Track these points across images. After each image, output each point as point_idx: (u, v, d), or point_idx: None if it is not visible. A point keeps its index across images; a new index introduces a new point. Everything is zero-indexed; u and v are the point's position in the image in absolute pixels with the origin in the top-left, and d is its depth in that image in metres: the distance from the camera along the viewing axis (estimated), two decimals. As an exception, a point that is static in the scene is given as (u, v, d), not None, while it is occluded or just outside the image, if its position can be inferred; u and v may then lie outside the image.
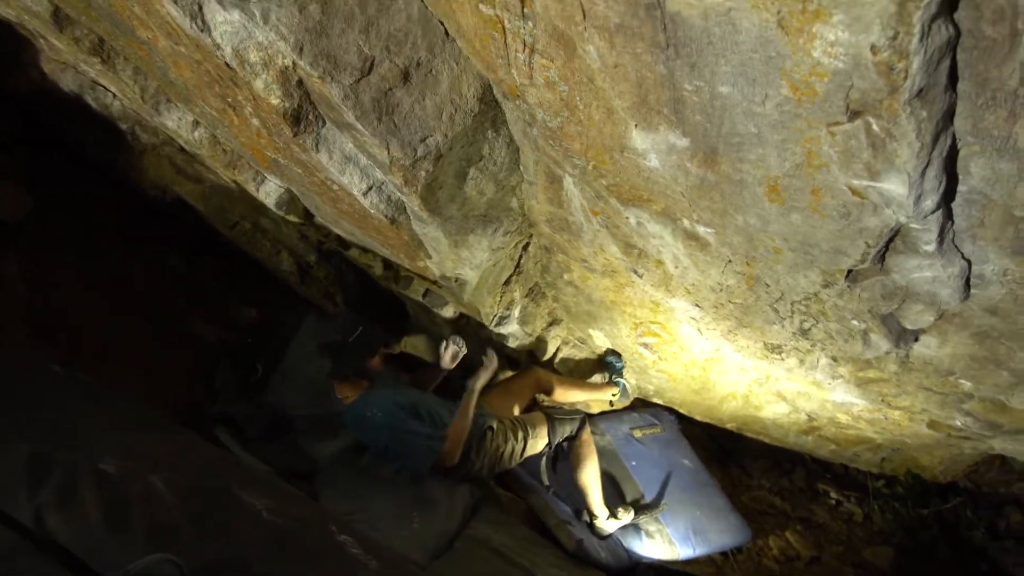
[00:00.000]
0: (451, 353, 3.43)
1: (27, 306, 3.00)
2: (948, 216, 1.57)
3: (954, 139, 1.37)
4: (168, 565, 1.34)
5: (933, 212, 1.52)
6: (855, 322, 2.22)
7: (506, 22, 1.75)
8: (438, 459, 2.88)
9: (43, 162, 3.51)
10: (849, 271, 1.94)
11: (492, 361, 3.23)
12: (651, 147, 1.84)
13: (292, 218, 3.06)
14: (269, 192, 2.89)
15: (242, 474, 2.31)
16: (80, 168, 3.60)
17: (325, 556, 1.87)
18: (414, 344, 4.11)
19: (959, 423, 2.75)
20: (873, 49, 1.17)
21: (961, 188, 1.49)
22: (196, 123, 2.68)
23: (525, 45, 1.77)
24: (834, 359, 2.62)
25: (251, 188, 2.89)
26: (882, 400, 2.83)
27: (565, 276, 3.20)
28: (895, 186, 1.45)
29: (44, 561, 1.36)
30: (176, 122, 2.67)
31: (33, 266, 3.18)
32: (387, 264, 3.44)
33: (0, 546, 1.35)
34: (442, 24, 2.01)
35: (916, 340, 2.24)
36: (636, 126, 1.80)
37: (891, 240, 1.72)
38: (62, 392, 2.31)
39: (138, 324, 3.44)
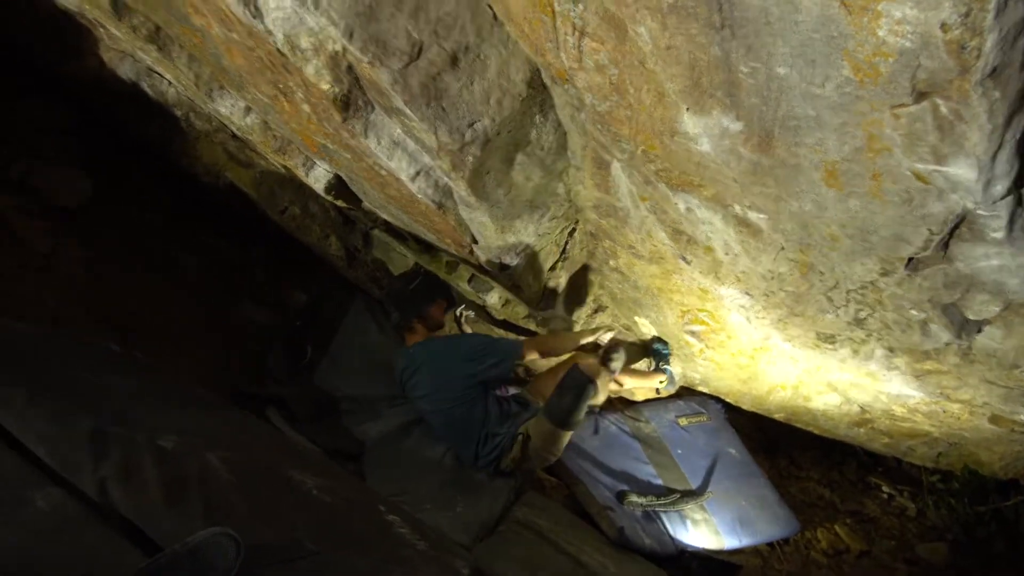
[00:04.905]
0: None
1: (85, 289, 3.11)
2: (1019, 202, 1.50)
3: (1029, 121, 1.30)
4: (225, 539, 1.37)
5: (1003, 198, 1.46)
6: (914, 312, 2.15)
7: (556, 4, 1.73)
8: (522, 354, 3.03)
9: (98, 149, 3.61)
10: (910, 259, 1.87)
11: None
12: (703, 131, 1.80)
13: (340, 203, 3.10)
14: (318, 177, 2.93)
15: (293, 453, 2.36)
16: (133, 155, 3.70)
17: (374, 535, 1.90)
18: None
19: (1024, 418, 2.65)
20: (944, 27, 1.12)
21: (1034, 172, 1.43)
22: (248, 109, 2.72)
23: (575, 28, 1.75)
24: (890, 350, 2.54)
25: (300, 173, 2.92)
26: (941, 393, 2.73)
27: (611, 262, 3.17)
28: (963, 170, 1.39)
29: (109, 531, 1.41)
30: (229, 108, 2.71)
31: (91, 251, 3.28)
32: (431, 248, 3.45)
33: (68, 516, 1.40)
34: (490, 7, 2.00)
35: (979, 331, 2.15)
36: (688, 110, 1.76)
37: (956, 227, 1.65)
38: (121, 370, 2.39)
39: (190, 307, 3.52)
